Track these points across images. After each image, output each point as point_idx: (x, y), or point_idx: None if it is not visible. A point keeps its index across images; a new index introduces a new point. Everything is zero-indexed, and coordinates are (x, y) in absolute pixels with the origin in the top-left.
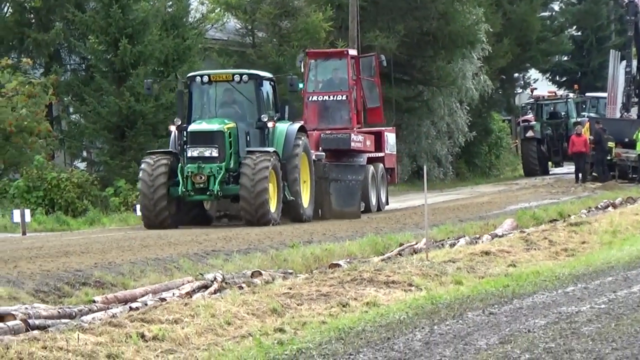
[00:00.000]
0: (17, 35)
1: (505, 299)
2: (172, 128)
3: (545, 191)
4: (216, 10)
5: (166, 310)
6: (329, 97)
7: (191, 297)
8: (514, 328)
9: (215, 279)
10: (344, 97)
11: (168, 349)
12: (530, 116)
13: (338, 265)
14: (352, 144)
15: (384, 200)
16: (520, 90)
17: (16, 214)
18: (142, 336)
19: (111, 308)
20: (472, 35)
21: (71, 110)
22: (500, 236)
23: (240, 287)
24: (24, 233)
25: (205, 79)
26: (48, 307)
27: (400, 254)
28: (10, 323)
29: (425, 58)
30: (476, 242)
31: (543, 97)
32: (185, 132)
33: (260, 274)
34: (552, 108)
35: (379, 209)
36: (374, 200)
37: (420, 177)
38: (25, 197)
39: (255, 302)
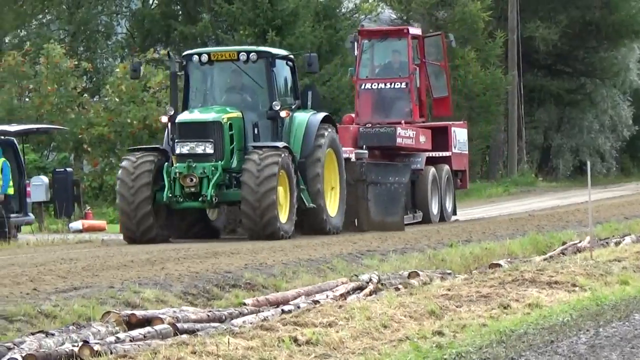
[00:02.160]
0: (163, 28)
1: None
2: (164, 119)
3: None
4: (370, 0)
5: (320, 313)
6: (385, 84)
7: (345, 299)
8: None
9: (370, 280)
10: (404, 85)
11: (322, 353)
12: None
13: (498, 265)
14: (399, 139)
15: (449, 209)
16: None
17: None
18: (295, 340)
19: (262, 311)
20: (637, 25)
21: None
22: None
23: (397, 289)
24: None
25: (205, 58)
26: (197, 310)
27: (563, 253)
28: (158, 327)
29: (587, 49)
30: None
31: None
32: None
33: (418, 274)
34: None
35: (442, 219)
36: (435, 209)
37: (583, 173)
38: None
39: (413, 304)
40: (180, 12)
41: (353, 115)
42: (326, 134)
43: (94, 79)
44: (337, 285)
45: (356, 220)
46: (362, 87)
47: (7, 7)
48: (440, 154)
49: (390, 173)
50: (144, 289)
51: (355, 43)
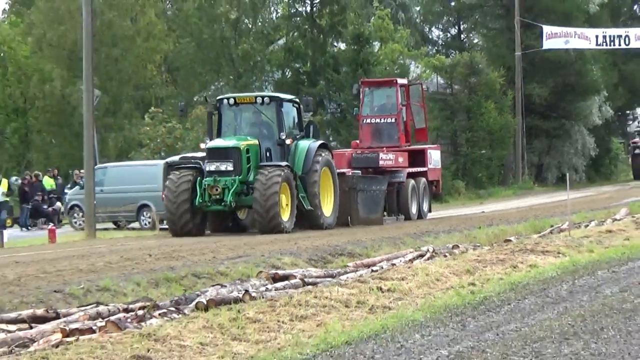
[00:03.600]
0: (294, 91)
1: (623, 261)
2: (202, 146)
3: None
4: (426, 71)
5: (396, 272)
6: (380, 119)
7: (412, 262)
8: (630, 281)
9: (428, 250)
10: (393, 120)
11: (397, 297)
12: (637, 139)
13: (510, 240)
14: (381, 162)
15: (425, 209)
16: (631, 122)
17: None
18: (380, 289)
19: (359, 270)
20: (597, 86)
21: (331, 139)
22: (618, 220)
23: (445, 256)
24: None
25: (232, 101)
26: (317, 270)
27: (552, 232)
28: (292, 281)
29: (566, 101)
30: (602, 224)
31: None
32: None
33: (458, 246)
34: None
35: (420, 217)
36: (414, 210)
37: (564, 181)
38: None
39: (455, 265)
40: (305, 80)
41: (358, 141)
42: (321, 156)
43: None
44: (406, 254)
45: (349, 218)
46: (364, 121)
47: (194, 78)
48: (419, 169)
49: (373, 183)
50: (283, 256)
51: (360, 90)
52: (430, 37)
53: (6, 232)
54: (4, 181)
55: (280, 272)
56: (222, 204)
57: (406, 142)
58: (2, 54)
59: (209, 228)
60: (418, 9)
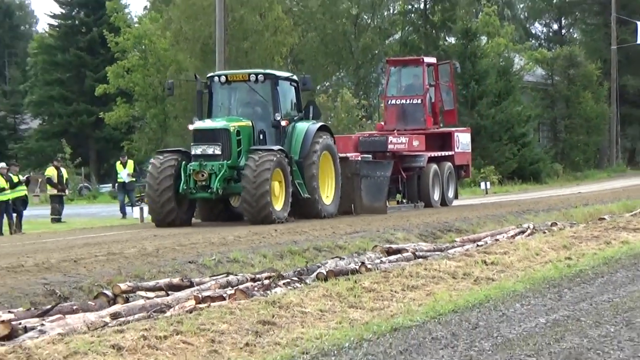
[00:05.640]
0: None
1: None
2: (190, 127)
3: None
4: (529, 63)
5: (499, 246)
6: (406, 100)
7: (514, 238)
8: None
9: (528, 227)
10: (419, 101)
11: (500, 270)
12: None
13: (604, 218)
14: (391, 145)
15: (450, 195)
16: None
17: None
18: (485, 262)
19: (465, 245)
20: None
21: None
22: None
23: (544, 232)
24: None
25: (223, 79)
26: (427, 244)
27: None
28: (405, 254)
29: None
30: None
31: None
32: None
33: (556, 224)
34: None
35: (444, 204)
36: (436, 196)
37: None
38: None
39: (553, 241)
40: None
41: (382, 124)
42: (321, 139)
43: (368, 110)
44: (509, 230)
45: (352, 206)
46: (389, 102)
47: (317, 69)
48: (444, 153)
49: (377, 168)
50: (397, 232)
51: (383, 69)
52: (533, 32)
53: (146, 208)
54: (130, 162)
55: (393, 246)
56: (209, 191)
57: (434, 124)
58: (143, 47)
59: (199, 216)
60: (522, 6)
